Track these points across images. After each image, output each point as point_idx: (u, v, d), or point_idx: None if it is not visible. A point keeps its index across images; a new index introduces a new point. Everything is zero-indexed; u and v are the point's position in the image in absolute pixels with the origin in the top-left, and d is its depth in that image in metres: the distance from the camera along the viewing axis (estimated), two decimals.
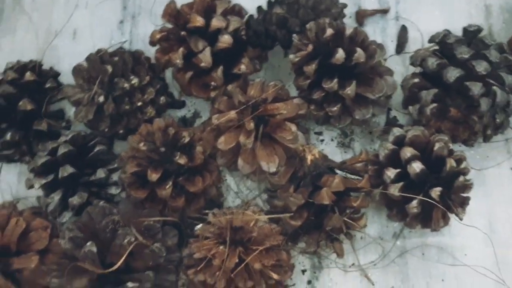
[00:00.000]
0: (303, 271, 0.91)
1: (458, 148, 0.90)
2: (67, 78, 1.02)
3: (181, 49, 0.88)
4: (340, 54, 0.83)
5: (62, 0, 1.10)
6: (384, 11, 1.01)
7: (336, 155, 0.95)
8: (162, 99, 0.95)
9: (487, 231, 0.88)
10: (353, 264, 0.90)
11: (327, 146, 0.96)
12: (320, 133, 0.97)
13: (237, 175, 0.96)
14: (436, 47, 0.88)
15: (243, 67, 0.92)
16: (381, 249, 0.90)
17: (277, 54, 1.00)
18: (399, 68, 0.98)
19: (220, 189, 0.95)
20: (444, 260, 0.89)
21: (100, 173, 0.89)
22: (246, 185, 0.96)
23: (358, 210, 0.86)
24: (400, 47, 0.99)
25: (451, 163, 0.79)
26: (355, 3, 1.03)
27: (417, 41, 0.99)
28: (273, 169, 0.88)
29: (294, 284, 0.90)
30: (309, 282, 0.91)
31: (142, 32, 1.06)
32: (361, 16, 1.01)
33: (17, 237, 0.86)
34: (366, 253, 0.91)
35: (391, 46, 1.00)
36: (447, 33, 0.86)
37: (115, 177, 0.94)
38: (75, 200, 0.87)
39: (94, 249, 0.78)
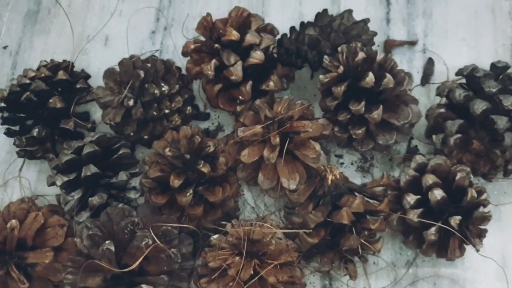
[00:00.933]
0: None
1: (476, 182, 0.91)
2: (95, 82, 1.04)
3: (213, 61, 0.90)
4: (370, 77, 0.84)
5: (97, 7, 1.13)
6: (412, 43, 1.03)
7: (355, 179, 0.95)
8: (189, 109, 0.97)
9: (500, 267, 0.88)
10: None
11: (347, 169, 0.97)
12: (340, 156, 0.98)
13: (255, 190, 0.97)
14: (463, 80, 0.90)
15: (271, 84, 0.93)
16: (393, 275, 0.90)
17: (303, 75, 1.02)
18: (423, 99, 0.99)
19: (237, 202, 0.96)
20: None
21: (122, 176, 0.90)
22: (263, 201, 0.96)
23: (375, 233, 0.87)
24: (426, 78, 1.01)
25: (472, 193, 0.80)
26: (384, 32, 1.05)
27: (443, 74, 1.00)
28: (293, 186, 0.89)
29: None
30: None
31: (172, 44, 1.09)
32: (390, 45, 1.03)
33: (34, 231, 0.86)
34: (377, 278, 0.91)
35: (416, 77, 1.01)
36: (475, 67, 0.88)
37: (133, 182, 0.95)
38: (95, 200, 0.87)
39: (112, 248, 0.78)
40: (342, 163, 0.98)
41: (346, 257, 0.86)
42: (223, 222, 0.88)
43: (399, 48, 1.04)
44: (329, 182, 0.87)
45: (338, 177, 0.87)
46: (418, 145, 0.97)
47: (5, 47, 1.11)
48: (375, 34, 0.97)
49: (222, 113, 1.03)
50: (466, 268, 0.90)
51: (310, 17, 0.99)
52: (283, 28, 0.98)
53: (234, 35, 0.90)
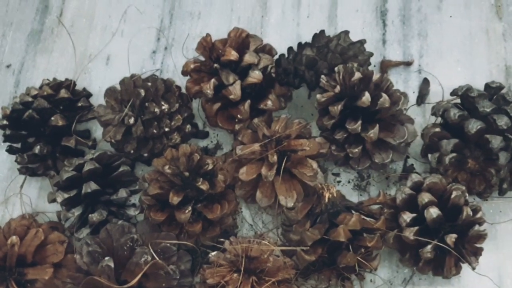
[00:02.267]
0: None
1: (472, 200, 0.92)
2: (96, 100, 1.06)
3: (213, 80, 0.92)
4: (366, 97, 0.86)
5: (100, 27, 1.15)
6: (408, 63, 1.05)
7: (352, 197, 0.97)
8: (188, 127, 0.98)
9: (496, 285, 0.89)
10: None
11: (344, 187, 0.98)
12: (337, 174, 0.99)
13: (253, 207, 0.98)
14: (458, 100, 0.92)
15: (269, 103, 0.95)
16: None
17: (301, 95, 1.04)
18: (419, 119, 1.00)
19: (235, 220, 0.97)
20: None
21: (122, 193, 0.91)
22: (261, 218, 0.97)
23: (371, 251, 0.87)
24: (421, 98, 1.02)
25: (467, 211, 0.81)
26: (380, 53, 1.07)
27: (438, 94, 1.02)
28: (290, 204, 0.90)
29: None
30: None
31: (172, 63, 1.10)
32: (386, 66, 1.04)
33: (35, 248, 0.87)
34: None
35: (412, 97, 1.03)
36: (469, 87, 0.89)
37: (133, 199, 0.96)
38: (95, 216, 0.88)
39: (112, 264, 0.79)
40: (339, 181, 0.99)
41: (343, 275, 0.87)
42: (221, 239, 0.89)
43: (395, 68, 1.06)
44: (326, 200, 0.88)
45: (335, 195, 0.88)
46: (414, 163, 0.98)
47: (8, 66, 1.13)
48: (371, 54, 0.99)
49: (221, 132, 1.04)
50: (462, 287, 0.90)
51: (307, 38, 1.01)
52: (281, 48, 1.00)
53: (233, 55, 0.92)
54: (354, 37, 1.00)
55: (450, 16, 1.09)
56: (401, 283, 0.92)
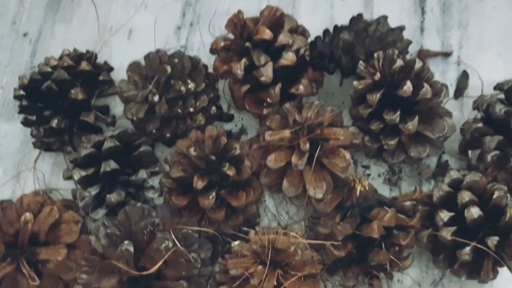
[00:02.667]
0: None
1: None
2: (116, 75, 1.01)
3: (243, 60, 0.87)
4: (408, 86, 0.81)
5: None
6: (447, 54, 1.00)
7: (382, 191, 0.91)
8: (214, 109, 0.93)
9: None
10: None
11: (373, 181, 0.93)
12: (367, 167, 0.94)
13: (278, 197, 0.93)
14: (502, 95, 0.86)
15: (301, 87, 0.90)
16: None
17: (332, 81, 0.98)
18: (456, 113, 0.95)
19: (258, 209, 0.92)
20: None
21: (142, 174, 0.86)
22: (285, 209, 0.93)
23: (402, 249, 0.83)
24: (459, 92, 0.97)
25: (511, 213, 0.76)
26: (417, 41, 1.01)
27: (477, 88, 0.97)
28: (319, 195, 0.85)
29: None
30: None
31: (197, 41, 1.05)
32: (424, 55, 0.99)
33: (48, 226, 0.83)
34: None
35: (449, 90, 0.98)
36: None
37: (151, 181, 0.92)
38: (113, 197, 0.84)
39: (131, 249, 0.75)
40: (368, 175, 0.94)
41: (371, 273, 0.82)
42: (245, 229, 0.85)
43: (433, 59, 1.01)
44: (358, 193, 0.83)
45: (367, 188, 0.84)
46: (448, 160, 0.93)
47: (25, 34, 1.07)
48: (410, 42, 0.94)
49: (246, 116, 0.99)
50: None
51: (341, 21, 0.95)
52: (312, 31, 0.95)
53: (267, 34, 0.86)
54: (391, 23, 0.94)
55: (493, 7, 1.03)
56: (430, 284, 0.87)
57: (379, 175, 0.94)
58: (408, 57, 0.96)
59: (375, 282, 0.82)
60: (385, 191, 0.92)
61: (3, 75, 1.05)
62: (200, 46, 1.04)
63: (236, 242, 0.81)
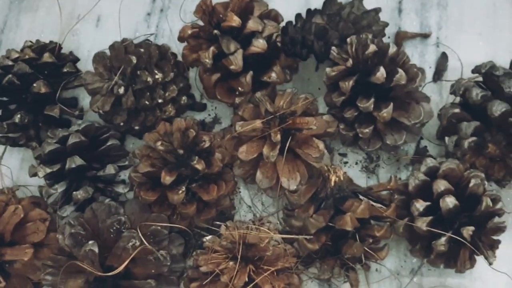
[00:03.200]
0: None
1: (488, 188, 0.85)
2: (85, 65, 0.98)
3: (212, 48, 0.83)
4: (381, 73, 0.78)
5: None
6: (425, 36, 0.97)
7: (360, 179, 0.89)
8: (184, 99, 0.90)
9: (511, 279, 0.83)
10: None
11: (351, 169, 0.91)
12: (344, 155, 0.92)
13: (253, 188, 0.91)
14: (480, 78, 0.84)
15: (273, 75, 0.87)
16: (396, 284, 0.85)
17: (307, 67, 0.95)
18: (435, 97, 0.93)
19: (232, 201, 0.90)
20: None
21: (110, 169, 0.83)
22: (260, 200, 0.90)
23: (379, 240, 0.81)
24: (438, 74, 0.94)
25: (487, 202, 0.74)
26: (395, 23, 0.98)
27: (457, 71, 0.94)
28: (293, 186, 0.83)
29: None
30: None
31: (168, 28, 1.02)
32: (401, 37, 0.96)
33: (13, 226, 0.80)
34: (380, 287, 0.85)
35: (428, 73, 0.95)
36: (493, 65, 0.82)
37: (123, 175, 0.89)
38: (79, 194, 0.81)
39: (96, 249, 0.72)
40: (346, 163, 0.92)
41: (347, 264, 0.80)
42: (217, 223, 0.83)
43: (411, 40, 0.97)
44: (332, 183, 0.81)
45: (342, 178, 0.82)
46: (427, 145, 0.91)
47: None
48: (386, 25, 0.91)
49: (220, 104, 0.96)
50: (474, 279, 0.85)
51: (316, 5, 0.92)
52: (287, 15, 0.91)
53: (235, 20, 0.83)
54: (368, 5, 0.91)
55: None
56: (408, 273, 0.86)
57: (356, 163, 0.92)
58: (385, 39, 0.93)
59: (351, 274, 0.81)
60: (362, 179, 0.90)
61: None
62: (170, 33, 1.01)
63: (208, 237, 0.79)
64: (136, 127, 0.88)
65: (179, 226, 0.81)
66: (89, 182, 0.84)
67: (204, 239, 0.79)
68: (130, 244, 0.74)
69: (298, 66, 0.93)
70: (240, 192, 0.91)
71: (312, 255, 0.81)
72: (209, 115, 0.96)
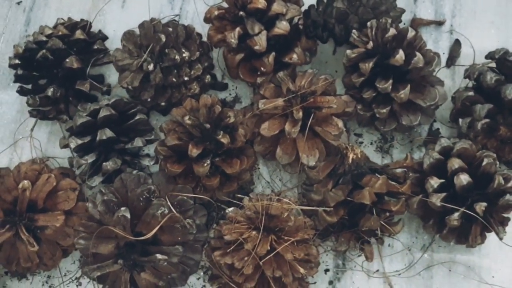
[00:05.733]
0: (326, 271, 0.90)
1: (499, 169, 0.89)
2: (111, 44, 1.01)
3: (238, 29, 0.87)
4: (400, 55, 0.82)
5: None
6: (440, 23, 1.00)
7: (374, 159, 0.93)
8: (208, 77, 0.94)
9: None
10: (377, 271, 0.89)
11: (366, 149, 0.95)
12: (360, 135, 0.96)
13: (271, 164, 0.95)
14: (493, 64, 0.87)
15: (295, 56, 0.90)
16: (408, 259, 0.89)
17: (325, 50, 0.99)
18: (448, 82, 0.96)
19: (252, 176, 0.94)
20: (470, 279, 0.87)
21: (138, 142, 0.87)
22: (278, 176, 0.94)
23: (393, 215, 0.85)
24: (451, 60, 0.98)
25: (499, 180, 0.78)
26: (411, 10, 1.02)
27: (469, 57, 0.97)
28: (312, 162, 0.87)
29: (315, 282, 0.88)
30: (331, 282, 0.89)
31: (191, 10, 1.05)
32: (417, 24, 1.00)
33: (46, 194, 0.84)
34: (392, 261, 0.89)
35: (441, 59, 0.98)
36: (507, 51, 0.85)
37: (146, 149, 0.93)
38: (109, 165, 0.85)
39: (128, 215, 0.76)
40: (361, 142, 0.96)
41: (362, 238, 0.84)
42: (239, 195, 0.86)
43: (426, 27, 1.01)
44: (350, 160, 0.84)
45: (359, 156, 0.85)
46: (440, 128, 0.95)
47: (18, 3, 1.07)
48: (403, 11, 0.95)
49: (240, 84, 1.00)
50: (483, 256, 0.88)
51: None
52: (306, 0, 0.95)
53: (260, 3, 0.87)
54: None
55: None
56: (419, 249, 0.90)
57: (371, 143, 0.96)
58: (401, 26, 0.96)
59: (366, 247, 0.85)
60: (377, 159, 0.94)
61: None
62: (194, 16, 1.04)
63: (231, 209, 0.83)
64: (162, 103, 0.91)
65: (204, 196, 0.85)
66: (117, 154, 0.87)
67: (227, 210, 0.82)
68: (159, 211, 0.77)
69: (317, 49, 0.97)
70: (259, 168, 0.95)
71: (329, 228, 0.85)
72: (230, 94, 1.00)
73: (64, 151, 0.94)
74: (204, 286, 0.89)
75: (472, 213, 0.78)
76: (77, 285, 0.90)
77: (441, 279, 0.88)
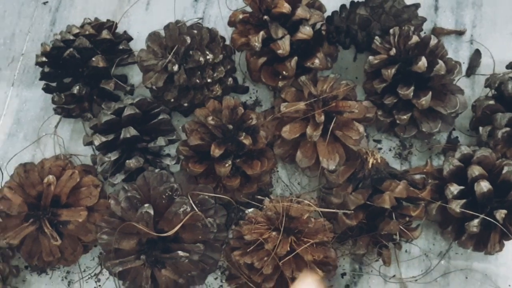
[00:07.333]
0: (343, 275, 0.90)
1: None
2: (134, 45, 1.03)
3: (261, 33, 0.88)
4: (423, 62, 0.83)
5: None
6: (460, 33, 1.01)
7: (393, 165, 0.93)
8: (230, 80, 0.95)
9: None
10: (394, 276, 0.89)
11: (384, 155, 0.96)
12: (379, 141, 0.97)
13: (290, 168, 0.96)
14: None
15: (317, 61, 0.92)
16: (425, 265, 0.89)
17: (346, 56, 1.00)
18: (467, 91, 0.97)
19: (271, 179, 0.94)
20: (487, 286, 0.87)
21: (161, 141, 0.88)
22: (297, 179, 0.95)
23: (411, 221, 0.85)
24: (471, 70, 0.99)
25: None
26: (431, 19, 1.03)
27: (488, 67, 0.98)
28: (332, 166, 0.88)
29: (331, 286, 0.89)
30: (347, 286, 0.90)
31: (214, 14, 1.07)
32: (437, 33, 1.01)
33: (69, 189, 0.85)
34: (409, 267, 0.90)
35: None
36: None
37: (167, 149, 0.94)
38: (132, 163, 0.86)
39: (151, 211, 0.77)
40: (380, 149, 0.96)
41: (381, 242, 0.85)
42: (259, 197, 0.87)
43: (446, 37, 1.02)
44: (370, 165, 0.85)
45: (379, 161, 0.86)
46: (458, 136, 0.95)
47: (45, 3, 1.09)
48: (424, 20, 0.96)
49: (261, 88, 1.01)
50: (500, 265, 0.88)
51: None
52: (329, 7, 0.96)
53: (285, 7, 0.88)
54: (406, 1, 0.96)
55: None
56: (436, 256, 0.90)
57: (390, 149, 0.96)
58: (422, 34, 0.98)
59: (384, 251, 0.85)
60: (395, 165, 0.95)
61: (24, 43, 1.07)
62: (216, 19, 1.06)
63: (251, 209, 0.84)
64: (185, 104, 0.93)
65: (225, 197, 0.86)
66: (140, 152, 0.89)
67: (247, 211, 0.83)
68: (182, 209, 0.78)
69: (338, 55, 0.98)
70: (278, 171, 0.96)
71: (348, 232, 0.86)
72: (250, 97, 1.01)
73: (85, 149, 0.96)
74: (222, 286, 0.90)
75: (492, 220, 0.78)
76: (96, 281, 0.91)
77: (458, 286, 0.88)
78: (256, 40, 0.89)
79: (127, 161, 0.86)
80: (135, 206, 0.79)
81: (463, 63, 1.00)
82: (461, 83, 0.97)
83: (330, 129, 0.85)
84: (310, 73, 0.93)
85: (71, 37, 0.91)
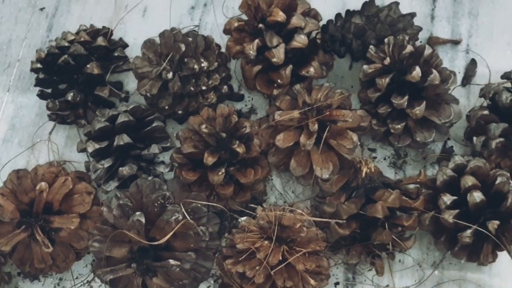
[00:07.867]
0: (336, 284, 0.90)
1: None
2: (130, 52, 1.03)
3: (256, 41, 0.88)
4: (417, 72, 0.83)
5: None
6: (456, 42, 1.01)
7: (387, 175, 0.93)
8: (225, 88, 0.95)
9: None
10: (387, 286, 0.89)
11: (379, 164, 0.95)
12: (373, 150, 0.96)
13: (284, 176, 0.96)
14: (509, 84, 0.88)
15: (311, 70, 0.92)
16: (418, 275, 0.89)
17: (341, 65, 1.00)
18: (462, 100, 0.96)
19: (265, 187, 0.94)
20: None
21: (154, 149, 0.88)
22: (291, 188, 0.95)
23: (405, 231, 0.85)
24: (467, 79, 0.99)
25: None
26: (427, 29, 1.03)
27: (484, 77, 0.98)
28: (326, 175, 0.88)
29: None
30: None
31: (210, 21, 1.07)
32: (433, 42, 1.00)
33: (62, 196, 0.85)
34: (402, 277, 0.89)
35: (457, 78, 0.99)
36: None
37: (161, 156, 0.94)
38: (125, 170, 0.86)
39: (143, 219, 0.77)
40: (374, 157, 0.96)
41: (374, 252, 0.84)
42: (252, 205, 0.87)
43: (442, 46, 1.02)
44: (364, 174, 0.85)
45: (373, 170, 0.86)
46: (453, 146, 0.95)
47: (42, 9, 1.10)
48: (420, 29, 0.96)
49: (256, 96, 1.01)
50: (494, 275, 0.88)
51: (353, 6, 0.97)
52: (325, 15, 0.96)
53: (280, 16, 0.88)
54: (402, 9, 0.96)
55: None
56: (430, 266, 0.90)
57: (384, 158, 0.96)
58: (417, 43, 0.98)
59: (377, 261, 0.85)
60: (390, 174, 0.94)
61: (20, 49, 1.08)
62: (212, 27, 1.06)
63: (244, 218, 0.83)
64: (179, 112, 0.93)
65: (218, 205, 0.86)
66: (133, 160, 0.89)
67: (240, 219, 0.83)
68: (174, 218, 0.78)
69: (333, 64, 0.98)
70: (272, 179, 0.96)
71: (341, 241, 0.86)
72: (246, 105, 1.01)
73: (80, 155, 0.96)
74: None
75: (484, 231, 0.78)
76: None
77: None
78: (251, 48, 0.89)
79: (120, 168, 0.86)
80: (127, 214, 0.79)
81: (459, 72, 1.00)
82: (457, 92, 0.97)
83: (323, 138, 0.85)
84: (305, 82, 0.93)
85: (66, 44, 0.92)
